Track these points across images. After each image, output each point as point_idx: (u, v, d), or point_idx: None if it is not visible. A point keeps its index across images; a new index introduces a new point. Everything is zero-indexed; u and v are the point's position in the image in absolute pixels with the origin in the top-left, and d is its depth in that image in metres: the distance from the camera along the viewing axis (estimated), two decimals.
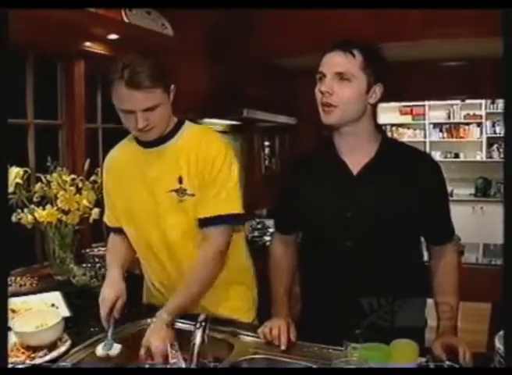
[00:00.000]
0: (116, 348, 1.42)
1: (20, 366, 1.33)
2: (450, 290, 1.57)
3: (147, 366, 1.38)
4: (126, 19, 2.69)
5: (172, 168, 1.63)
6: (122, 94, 1.49)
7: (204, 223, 1.62)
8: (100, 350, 1.41)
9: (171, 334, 1.46)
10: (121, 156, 1.76)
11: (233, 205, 1.63)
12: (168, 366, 1.16)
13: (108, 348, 1.41)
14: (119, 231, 1.80)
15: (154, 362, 1.38)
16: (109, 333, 1.47)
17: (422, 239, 1.65)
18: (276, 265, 1.73)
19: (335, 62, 1.48)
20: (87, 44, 2.59)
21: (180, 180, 1.61)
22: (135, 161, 1.70)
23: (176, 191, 1.61)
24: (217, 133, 1.77)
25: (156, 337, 1.43)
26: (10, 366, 1.31)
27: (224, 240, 1.63)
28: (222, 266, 1.65)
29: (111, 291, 1.57)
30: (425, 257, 1.69)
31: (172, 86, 1.60)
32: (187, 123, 1.72)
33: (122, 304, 1.56)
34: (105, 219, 1.86)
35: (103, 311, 1.52)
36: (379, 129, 1.61)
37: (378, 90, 1.51)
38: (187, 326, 1.55)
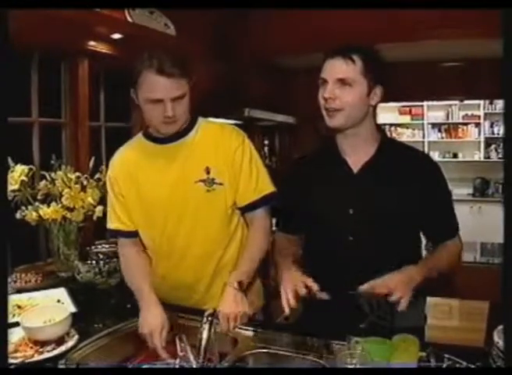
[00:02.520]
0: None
1: (20, 364, 1.33)
2: (441, 258, 1.60)
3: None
4: (129, 19, 2.72)
5: (197, 159, 1.67)
6: (151, 82, 1.52)
7: (251, 207, 1.73)
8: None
9: (243, 299, 1.56)
10: (133, 156, 1.75)
11: (270, 185, 1.75)
12: (178, 359, 1.17)
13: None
14: (132, 235, 1.77)
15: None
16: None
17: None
18: (280, 248, 1.76)
19: (336, 68, 1.52)
20: (91, 43, 2.60)
21: (208, 171, 1.66)
22: (151, 158, 1.70)
23: (204, 181, 1.66)
24: (233, 126, 1.82)
25: (231, 303, 1.53)
26: (19, 360, 1.34)
27: (269, 218, 1.77)
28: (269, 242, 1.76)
29: (154, 322, 1.53)
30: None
31: (191, 81, 1.62)
32: (201, 119, 1.76)
33: (167, 332, 1.53)
34: (116, 224, 1.77)
35: (157, 343, 1.48)
36: (379, 128, 1.66)
37: (378, 91, 1.55)
38: (193, 321, 1.59)
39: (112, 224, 1.79)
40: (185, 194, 1.67)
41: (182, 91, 1.55)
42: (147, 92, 1.54)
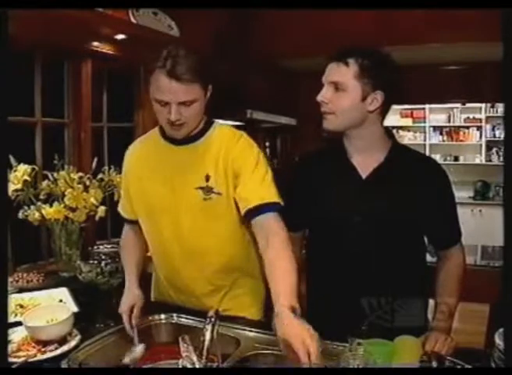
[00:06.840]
0: (139, 350, 1.47)
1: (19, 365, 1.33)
2: (451, 292, 1.61)
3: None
4: (133, 20, 2.74)
5: (200, 166, 1.63)
6: (161, 83, 1.49)
7: (253, 214, 1.55)
8: (126, 358, 1.44)
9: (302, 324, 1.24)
10: (145, 150, 1.76)
11: (275, 195, 1.59)
12: (180, 361, 1.18)
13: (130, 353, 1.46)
14: (133, 223, 1.83)
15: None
16: (135, 340, 1.51)
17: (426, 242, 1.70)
18: None
19: (330, 71, 1.54)
20: (95, 43, 2.62)
21: (207, 179, 1.62)
22: (161, 156, 1.69)
23: (202, 188, 1.62)
24: (244, 135, 1.71)
25: (294, 331, 1.21)
26: (22, 359, 1.34)
27: (283, 227, 1.54)
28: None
29: (126, 301, 1.59)
30: (428, 258, 1.75)
31: (210, 85, 1.59)
32: (217, 123, 1.72)
33: (139, 310, 1.58)
34: (120, 209, 1.88)
35: (124, 321, 1.55)
36: (389, 134, 1.63)
37: (378, 97, 1.51)
38: (195, 322, 1.60)
39: (119, 206, 1.90)
40: (182, 199, 1.65)
41: (191, 97, 1.51)
42: (156, 93, 1.52)
